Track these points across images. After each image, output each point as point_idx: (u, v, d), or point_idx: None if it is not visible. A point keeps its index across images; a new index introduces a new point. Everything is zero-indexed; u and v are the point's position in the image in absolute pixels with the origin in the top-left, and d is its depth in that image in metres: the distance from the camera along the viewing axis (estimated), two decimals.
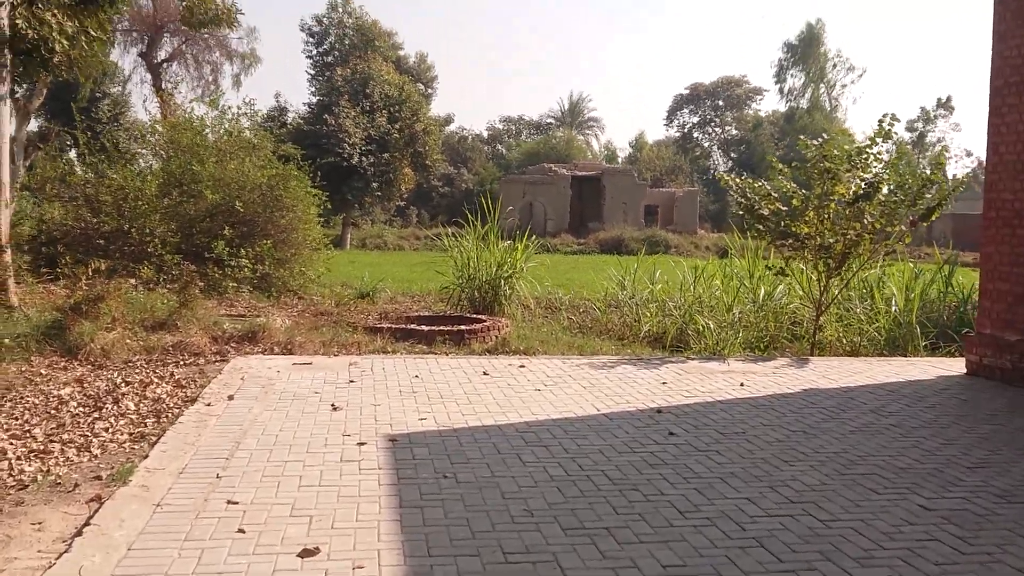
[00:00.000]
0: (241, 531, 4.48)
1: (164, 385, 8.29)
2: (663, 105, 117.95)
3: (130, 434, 6.58)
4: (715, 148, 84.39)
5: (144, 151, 20.51)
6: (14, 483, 5.36)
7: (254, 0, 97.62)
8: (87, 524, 4.56)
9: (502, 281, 14.83)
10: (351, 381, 8.53)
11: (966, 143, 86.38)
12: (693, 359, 10.62)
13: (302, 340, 10.94)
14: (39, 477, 5.44)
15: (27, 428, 6.68)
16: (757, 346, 12.45)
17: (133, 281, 14.81)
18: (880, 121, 12.16)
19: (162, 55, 48.67)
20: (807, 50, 76.45)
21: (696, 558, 4.28)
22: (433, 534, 4.50)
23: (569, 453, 6.11)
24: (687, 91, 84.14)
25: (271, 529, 4.52)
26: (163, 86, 45.32)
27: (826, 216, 11.59)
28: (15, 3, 13.04)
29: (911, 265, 14.95)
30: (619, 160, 79.32)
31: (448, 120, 68.90)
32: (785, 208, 11.89)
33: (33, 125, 43.84)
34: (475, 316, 13.39)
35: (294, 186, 17.83)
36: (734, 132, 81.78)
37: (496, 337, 12.01)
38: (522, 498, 5.10)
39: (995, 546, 4.55)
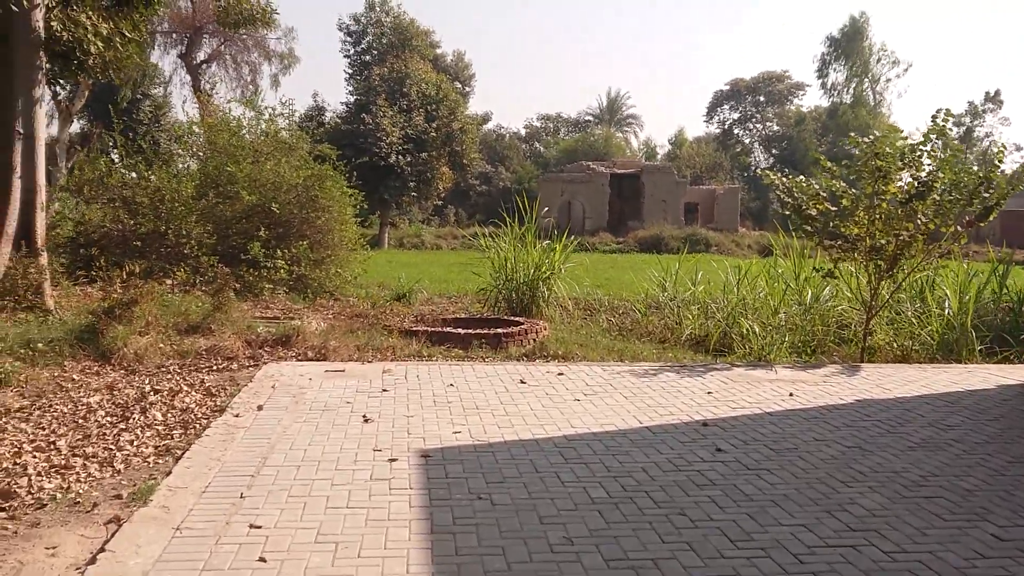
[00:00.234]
0: (263, 560, 4.21)
1: (193, 393, 8.09)
2: (703, 101, 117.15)
3: (155, 447, 6.37)
4: (756, 144, 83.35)
5: (182, 152, 20.46)
6: (32, 501, 5.15)
7: (292, 0, 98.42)
8: (102, 550, 4.32)
9: (540, 282, 14.54)
10: (384, 390, 8.27)
11: (1015, 137, 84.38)
12: (739, 366, 10.23)
13: (336, 344, 10.72)
14: (58, 495, 5.23)
15: (52, 440, 6.49)
16: (804, 351, 12.03)
17: (169, 282, 14.76)
18: (934, 117, 11.67)
19: (201, 56, 48.97)
20: (850, 44, 75.07)
21: None
22: (466, 564, 4.21)
23: (611, 472, 5.79)
24: (727, 87, 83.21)
25: (294, 557, 4.25)
26: (202, 87, 45.64)
27: (877, 216, 11.14)
28: (50, 5, 12.98)
29: (963, 265, 14.40)
30: (658, 157, 78.70)
31: (485, 118, 68.74)
32: (834, 208, 11.45)
33: (76, 127, 44.39)
34: (512, 319, 13.10)
35: (330, 186, 17.67)
36: (775, 128, 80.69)
37: (534, 341, 11.73)
38: (561, 523, 4.79)
39: None
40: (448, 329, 12.09)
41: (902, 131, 11.20)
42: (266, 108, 19.63)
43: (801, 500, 5.25)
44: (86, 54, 13.67)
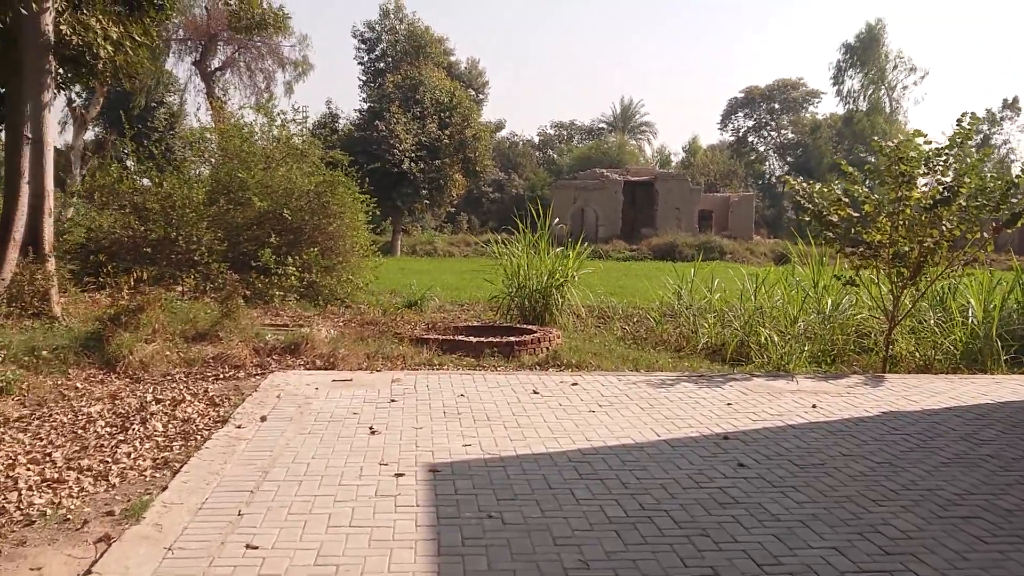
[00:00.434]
0: None
1: (196, 403, 7.86)
2: (717, 109, 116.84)
3: (153, 460, 6.12)
4: (771, 152, 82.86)
5: (194, 159, 20.32)
6: (21, 517, 4.91)
7: (306, 7, 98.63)
8: (88, 572, 4.07)
9: (553, 289, 14.27)
10: (392, 400, 8.01)
11: None
12: (758, 376, 9.93)
13: (345, 352, 10.48)
14: (48, 511, 4.98)
15: (48, 451, 6.27)
16: (824, 360, 11.71)
17: (180, 289, 14.58)
18: (959, 121, 11.37)
19: (215, 64, 48.95)
20: (866, 51, 74.46)
21: None
22: None
23: (628, 488, 5.50)
24: (742, 94, 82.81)
25: None
26: (215, 94, 45.62)
27: (900, 223, 10.83)
28: (60, 9, 12.83)
29: (987, 273, 14.03)
30: (672, 165, 78.34)
31: (499, 126, 68.54)
32: (856, 214, 11.15)
33: (91, 134, 44.44)
34: (525, 327, 12.84)
35: (342, 192, 17.49)
36: (790, 136, 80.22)
37: (547, 349, 11.47)
38: (576, 545, 4.51)
39: None
40: (460, 337, 11.85)
41: (926, 135, 10.89)
42: (279, 114, 19.49)
43: (831, 520, 4.96)
44: (96, 58, 13.50)
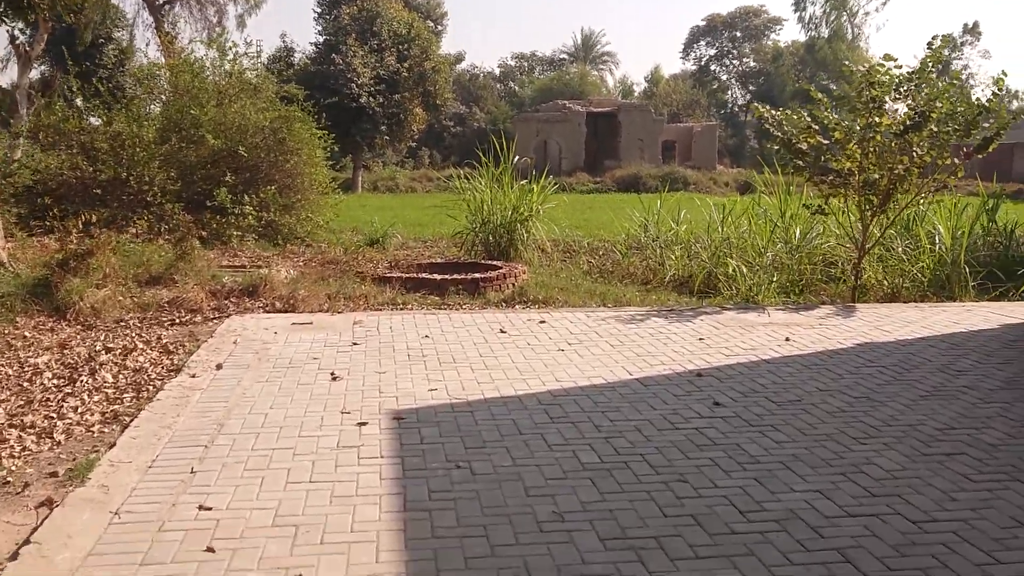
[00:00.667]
0: (210, 550, 3.68)
1: (149, 351, 7.51)
2: (679, 38, 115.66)
3: (102, 414, 5.79)
4: (733, 81, 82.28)
5: (143, 96, 19.53)
6: None
7: None
8: (26, 542, 3.78)
9: (518, 224, 13.99)
10: (354, 343, 7.71)
11: (994, 71, 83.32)
12: (729, 309, 9.75)
13: (305, 294, 10.14)
14: None
15: None
16: (792, 290, 11.56)
17: (133, 231, 14.11)
18: (929, 44, 11.11)
19: None
20: None
21: None
22: (444, 551, 3.69)
23: (601, 431, 5.28)
24: (704, 23, 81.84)
25: (247, 547, 3.73)
26: (165, 29, 44.04)
27: (871, 150, 10.60)
28: None
29: (951, 200, 13.87)
30: (635, 95, 77.59)
31: (459, 58, 67.36)
32: (826, 142, 10.90)
33: (37, 73, 42.88)
34: (490, 263, 12.57)
35: (298, 128, 16.94)
36: (752, 64, 79.60)
37: (513, 285, 11.22)
38: (549, 495, 4.29)
39: None
40: (423, 275, 11.56)
41: (896, 59, 10.60)
42: (231, 48, 18.73)
43: (812, 461, 4.78)
44: None
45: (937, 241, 12.63)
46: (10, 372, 6.88)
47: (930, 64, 10.63)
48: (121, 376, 6.72)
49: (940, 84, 10.76)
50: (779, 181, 14.67)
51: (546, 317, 9.06)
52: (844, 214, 12.18)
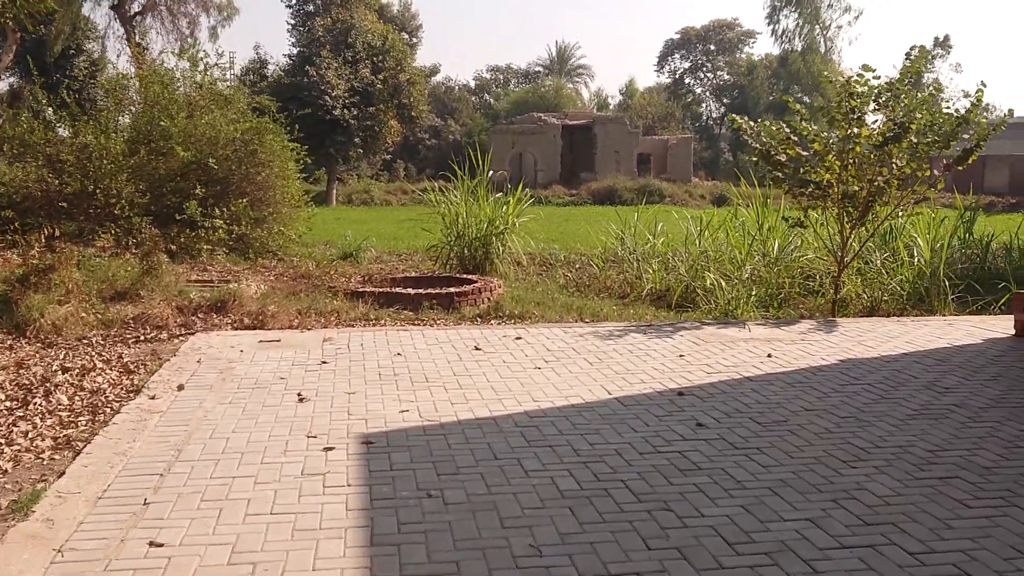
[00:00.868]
0: None
1: (108, 371, 7.20)
2: (653, 51, 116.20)
3: (54, 439, 5.49)
4: (707, 94, 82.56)
5: (111, 107, 19.17)
6: None
7: None
8: None
9: (493, 237, 13.79)
10: (323, 362, 7.43)
11: (965, 84, 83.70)
12: (709, 324, 9.54)
13: (275, 309, 9.87)
14: None
15: None
16: (771, 304, 11.39)
17: (100, 244, 13.80)
18: (907, 55, 11.02)
19: (135, 7, 46.70)
20: None
21: None
22: None
23: (580, 455, 5.04)
24: (678, 36, 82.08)
25: None
26: (137, 40, 43.54)
27: (850, 161, 10.47)
28: None
29: (929, 211, 13.78)
30: (610, 108, 77.74)
31: (434, 70, 67.19)
32: (805, 153, 10.76)
33: (5, 84, 42.23)
34: (465, 277, 12.34)
35: (270, 140, 16.65)
36: (726, 77, 79.93)
37: (488, 300, 11.01)
38: (526, 526, 4.03)
39: None
40: (397, 289, 11.32)
41: (875, 69, 10.49)
42: (202, 59, 18.41)
43: (801, 486, 4.55)
44: None
45: (916, 254, 12.53)
46: None
47: (909, 74, 10.54)
48: (77, 398, 6.42)
49: (920, 95, 10.67)
50: (755, 193, 14.54)
51: (522, 333, 8.83)
52: (823, 226, 12.07)
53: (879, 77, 10.55)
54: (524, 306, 10.58)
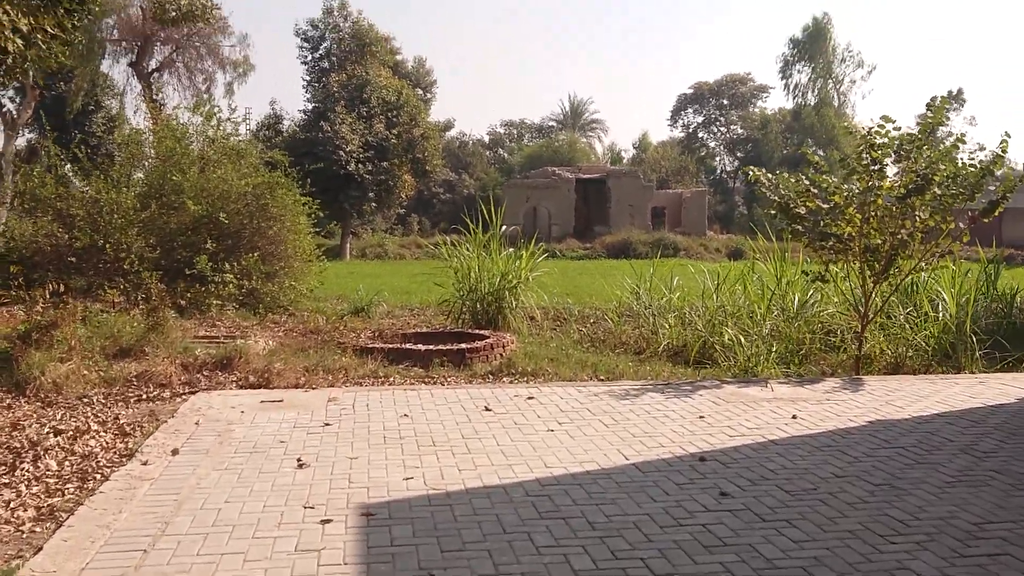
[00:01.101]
0: None
1: (103, 434, 6.90)
2: (667, 105, 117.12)
3: (37, 508, 5.18)
4: (721, 148, 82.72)
5: (124, 161, 19.14)
6: None
7: (247, 5, 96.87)
8: None
9: (506, 292, 13.51)
10: (326, 424, 7.12)
11: (979, 137, 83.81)
12: (729, 383, 9.19)
13: (281, 367, 9.59)
14: None
15: None
16: (792, 360, 11.03)
17: (110, 300, 13.61)
18: (928, 105, 10.77)
19: (153, 65, 47.26)
20: (813, 44, 74.41)
21: None
22: None
23: (596, 529, 4.68)
24: (691, 90, 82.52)
25: None
26: (154, 96, 44.01)
27: (872, 214, 10.18)
28: None
29: (953, 265, 13.44)
30: (623, 162, 77.95)
31: (448, 125, 67.64)
32: (825, 206, 10.48)
33: (24, 141, 42.63)
34: (477, 332, 12.05)
35: (281, 194, 16.50)
36: (740, 131, 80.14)
37: (501, 356, 10.72)
38: None
39: None
40: (408, 345, 11.03)
41: (895, 120, 10.25)
42: (215, 113, 18.40)
43: (838, 566, 4.18)
44: (4, 52, 12.41)
45: (941, 308, 12.17)
46: None
47: (931, 126, 10.29)
48: (67, 463, 6.12)
49: (942, 146, 10.42)
50: (773, 247, 14.24)
51: (535, 392, 8.50)
52: (844, 280, 11.74)
53: (899, 128, 10.32)
54: (537, 362, 10.29)
